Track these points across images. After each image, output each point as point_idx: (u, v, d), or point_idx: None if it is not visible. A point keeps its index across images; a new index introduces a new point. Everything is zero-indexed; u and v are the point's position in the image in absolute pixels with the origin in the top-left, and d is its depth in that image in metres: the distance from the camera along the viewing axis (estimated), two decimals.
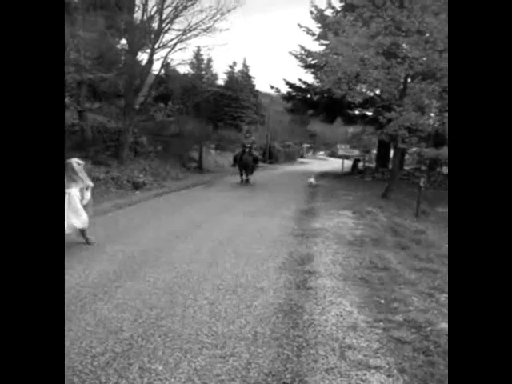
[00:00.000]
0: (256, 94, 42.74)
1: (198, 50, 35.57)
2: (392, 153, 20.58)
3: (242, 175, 17.50)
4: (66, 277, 5.04)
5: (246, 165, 17.21)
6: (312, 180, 17.85)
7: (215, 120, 34.03)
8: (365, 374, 3.13)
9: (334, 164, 41.00)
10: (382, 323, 4.02)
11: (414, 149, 23.89)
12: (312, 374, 3.11)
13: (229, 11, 17.83)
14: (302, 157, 58.10)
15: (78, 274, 5.19)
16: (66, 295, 4.49)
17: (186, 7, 16.91)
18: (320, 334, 3.77)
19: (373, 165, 31.84)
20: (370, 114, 26.31)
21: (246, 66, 42.44)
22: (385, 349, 3.53)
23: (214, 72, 40.82)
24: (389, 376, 3.12)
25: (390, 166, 23.74)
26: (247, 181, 17.37)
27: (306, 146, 66.14)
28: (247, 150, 17.12)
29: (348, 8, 19.40)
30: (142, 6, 16.78)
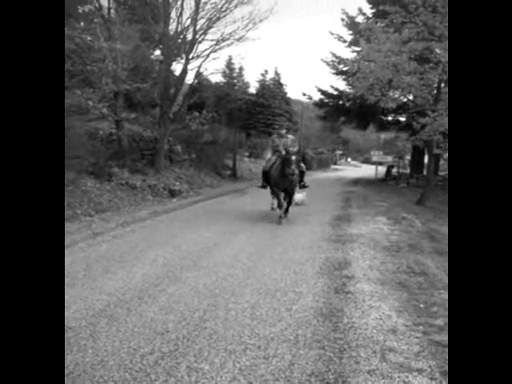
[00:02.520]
0: (288, 101, 42.89)
1: (230, 59, 36.01)
2: (427, 158, 20.34)
3: (279, 199, 10.01)
4: (109, 281, 5.25)
5: (289, 185, 9.81)
6: (300, 196, 11.98)
7: (248, 128, 34.26)
8: (407, 377, 3.17)
9: (368, 170, 40.73)
10: (421, 327, 4.04)
11: None
12: (355, 376, 3.16)
13: (261, 21, 18.03)
14: (335, 164, 57.87)
15: (121, 279, 5.36)
16: (112, 298, 4.67)
17: (219, 18, 17.20)
18: (361, 336, 3.82)
19: (407, 171, 31.52)
20: (403, 119, 26.12)
21: (277, 74, 42.63)
22: (426, 352, 3.56)
23: (245, 80, 41.16)
24: (431, 379, 3.15)
25: (425, 172, 23.47)
26: (286, 211, 10.13)
27: (338, 152, 65.83)
28: (291, 157, 9.32)
29: (379, 14, 19.36)
30: (176, 19, 17.13)
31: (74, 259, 6.23)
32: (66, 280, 5.20)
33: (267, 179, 10.37)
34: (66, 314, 4.20)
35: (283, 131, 10.88)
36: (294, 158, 9.26)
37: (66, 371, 3.13)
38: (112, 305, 4.49)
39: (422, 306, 4.60)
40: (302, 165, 10.83)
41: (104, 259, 6.26)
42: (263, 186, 10.66)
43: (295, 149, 10.07)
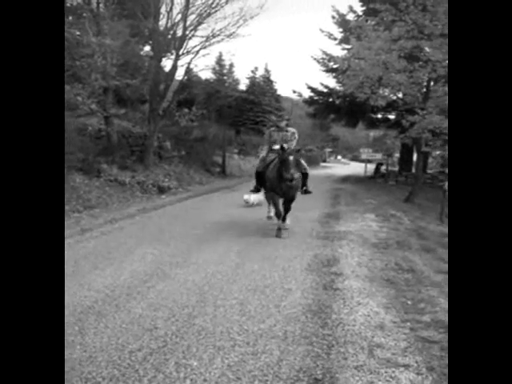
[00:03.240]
0: (278, 98, 42.88)
1: (220, 55, 35.92)
2: (415, 156, 20.46)
3: (277, 208, 8.20)
4: (98, 278, 5.23)
5: (289, 190, 7.91)
6: (248, 197, 11.53)
7: (238, 125, 34.21)
8: (393, 372, 3.20)
9: (357, 168, 40.86)
10: (409, 323, 4.07)
11: (437, 152, 23.73)
12: (342, 371, 3.19)
13: (251, 17, 18.01)
14: (324, 161, 57.96)
15: (110, 275, 5.35)
16: (100, 295, 4.66)
17: (209, 14, 17.16)
18: (349, 332, 3.85)
19: (396, 168, 31.69)
20: (392, 117, 26.26)
21: (267, 71, 42.61)
22: (413, 348, 3.59)
23: (235, 77, 41.12)
24: (418, 374, 3.18)
25: (414, 170, 23.62)
26: (283, 219, 8.21)
27: (328, 150, 65.99)
28: (288, 158, 7.41)
29: (370, 12, 19.40)
30: (166, 14, 17.05)
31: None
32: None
33: (262, 182, 8.38)
34: None
35: (283, 123, 8.53)
36: (291, 158, 7.27)
37: None
38: (100, 301, 4.48)
39: (409, 302, 4.64)
40: (304, 164, 8.46)
41: (92, 256, 6.23)
42: (256, 190, 8.76)
43: (293, 145, 8.12)
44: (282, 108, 43.14)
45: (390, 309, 4.45)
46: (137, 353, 3.39)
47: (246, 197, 11.73)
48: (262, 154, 8.99)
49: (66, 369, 3.11)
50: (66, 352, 3.36)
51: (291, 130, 8.58)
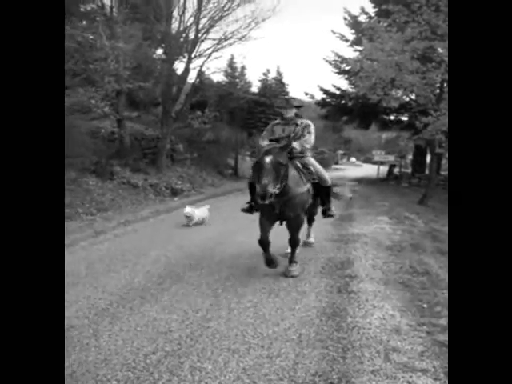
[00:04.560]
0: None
1: (232, 58, 35.95)
2: (429, 158, 20.30)
3: (262, 233, 5.59)
4: (112, 280, 5.24)
5: (288, 210, 5.42)
6: (190, 210, 8.98)
7: (250, 127, 34.20)
8: (411, 377, 3.16)
9: (369, 170, 40.69)
10: (425, 327, 4.02)
11: None
12: (358, 375, 3.15)
13: (263, 20, 18.00)
14: (336, 163, 57.78)
15: (124, 278, 5.36)
16: (114, 297, 4.67)
17: (221, 17, 17.19)
18: (364, 336, 3.81)
19: (409, 170, 31.49)
20: (405, 119, 26.09)
21: (279, 73, 42.47)
22: (430, 352, 3.55)
23: (247, 79, 41.06)
24: (436, 379, 3.14)
25: (427, 172, 23.45)
26: (290, 260, 5.83)
27: (340, 152, 65.76)
28: (263, 159, 4.91)
29: (382, 14, 19.33)
30: (179, 17, 17.13)
31: (76, 258, 6.23)
32: (69, 279, 5.21)
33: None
34: (69, 312, 4.20)
35: (290, 113, 5.95)
36: (267, 160, 4.81)
37: (70, 370, 3.13)
38: (114, 304, 4.49)
39: (425, 305, 4.59)
40: (319, 171, 5.97)
41: (106, 258, 6.25)
42: (250, 209, 6.18)
43: (309, 143, 5.84)
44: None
45: (405, 312, 4.40)
46: (151, 356, 3.39)
47: (187, 210, 8.80)
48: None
49: (81, 371, 3.12)
50: (81, 354, 3.38)
51: (304, 121, 5.94)
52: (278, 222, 5.73)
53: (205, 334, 3.78)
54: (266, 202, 4.72)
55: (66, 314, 4.18)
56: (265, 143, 5.47)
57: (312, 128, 5.88)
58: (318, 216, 6.63)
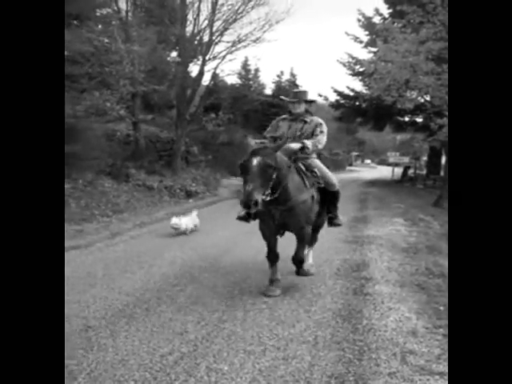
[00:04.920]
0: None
1: (246, 60, 36.05)
2: (444, 159, 20.14)
3: (268, 245, 5.11)
4: (128, 281, 5.28)
5: (290, 220, 4.76)
6: (177, 221, 8.11)
7: (264, 129, 34.07)
8: (428, 380, 3.14)
9: (383, 171, 40.50)
10: (442, 329, 3.99)
11: None
12: (375, 378, 3.14)
13: (277, 22, 18.02)
14: (350, 165, 57.58)
15: (140, 279, 5.40)
16: (131, 298, 4.71)
17: (235, 20, 17.25)
18: (380, 338, 3.80)
19: (423, 172, 31.28)
20: (420, 120, 25.91)
21: (293, 75, 42.54)
22: (447, 355, 3.52)
23: (261, 82, 41.15)
24: None
25: (442, 173, 23.27)
26: (297, 271, 5.31)
27: (354, 154, 65.53)
28: (249, 161, 4.22)
29: (396, 15, 19.22)
30: (193, 20, 17.22)
31: (93, 259, 6.29)
32: (86, 280, 5.28)
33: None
34: (86, 313, 4.25)
35: (300, 109, 5.22)
36: (255, 162, 4.15)
37: (88, 370, 3.17)
38: (131, 305, 4.53)
39: (441, 308, 4.55)
40: (326, 174, 5.28)
41: (122, 259, 6.31)
42: (246, 217, 5.14)
43: (321, 143, 5.09)
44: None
45: (421, 314, 4.38)
46: (168, 356, 3.41)
47: (174, 221, 8.08)
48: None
49: (99, 371, 3.15)
50: (99, 354, 3.41)
51: (315, 119, 5.23)
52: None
53: (220, 336, 3.80)
54: (251, 211, 4.19)
55: (84, 314, 4.24)
56: (253, 142, 4.71)
57: (324, 127, 5.17)
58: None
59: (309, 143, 4.88)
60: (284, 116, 5.40)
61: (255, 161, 4.12)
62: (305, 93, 5.30)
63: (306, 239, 5.05)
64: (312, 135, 5.10)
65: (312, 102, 5.44)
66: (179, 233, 8.05)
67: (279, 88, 40.62)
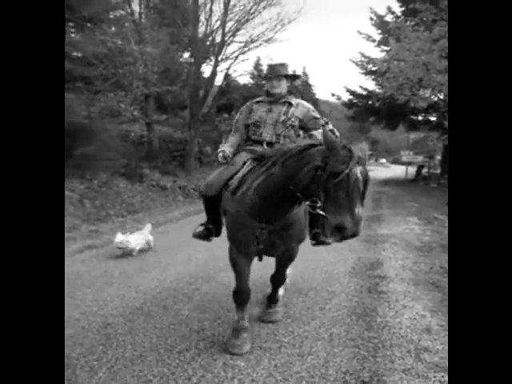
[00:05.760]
0: (316, 101, 42.79)
1: (258, 60, 36.14)
2: None
3: (239, 277, 3.79)
4: (145, 280, 5.36)
5: (272, 241, 3.45)
6: (122, 238, 6.53)
7: None
8: (443, 376, 3.16)
9: (397, 170, 40.30)
10: None
11: None
12: (390, 374, 3.17)
13: (289, 22, 18.05)
14: None
15: (156, 278, 5.47)
16: (147, 296, 4.78)
17: (247, 20, 17.33)
18: (395, 336, 3.82)
19: (437, 171, 31.08)
20: (433, 119, 25.77)
21: (305, 75, 42.67)
22: None
23: None
24: None
25: None
26: (270, 300, 4.28)
27: (367, 153, 65.25)
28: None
29: (409, 13, 19.17)
30: (205, 21, 17.33)
31: (109, 258, 6.37)
32: (104, 279, 5.36)
33: (217, 217, 4.04)
34: (105, 311, 4.32)
35: (280, 88, 3.94)
36: (361, 173, 2.74)
37: (108, 365, 3.24)
38: (148, 303, 4.60)
39: None
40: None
41: (138, 259, 6.38)
42: (207, 234, 4.18)
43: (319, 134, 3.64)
44: (321, 111, 43.01)
45: (436, 312, 4.39)
46: (185, 353, 3.47)
47: (119, 238, 6.51)
48: (223, 152, 3.92)
49: (118, 366, 3.22)
50: (118, 351, 3.48)
51: (302, 102, 4.03)
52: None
53: None
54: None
55: (102, 312, 4.32)
56: (231, 139, 4.06)
57: (317, 113, 4.01)
58: None
59: (318, 134, 3.74)
60: (260, 98, 4.04)
61: (362, 172, 2.74)
62: (283, 66, 3.99)
63: (293, 258, 3.97)
64: (302, 122, 3.89)
65: (296, 77, 4.38)
66: (126, 253, 6.54)
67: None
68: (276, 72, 3.94)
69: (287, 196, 3.02)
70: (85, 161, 11.46)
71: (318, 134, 3.74)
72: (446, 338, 3.80)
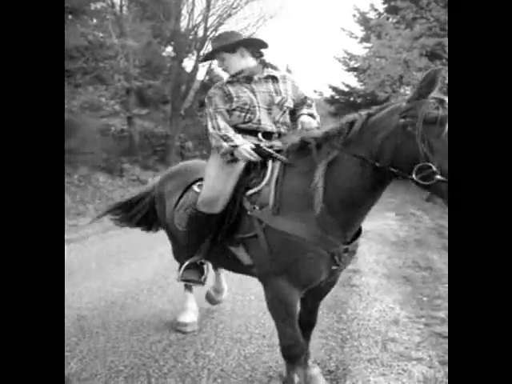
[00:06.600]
0: None
1: None
2: None
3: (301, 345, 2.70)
4: (121, 274, 5.40)
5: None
6: None
7: None
8: (406, 365, 3.26)
9: None
10: (423, 319, 4.12)
11: None
12: (355, 364, 3.27)
13: (271, 17, 18.12)
14: None
15: (132, 271, 5.52)
16: (123, 290, 4.82)
17: (230, 15, 17.36)
18: (363, 327, 3.92)
19: None
20: None
21: (289, 71, 42.60)
22: (426, 342, 3.65)
23: None
24: (430, 367, 3.24)
25: None
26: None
27: None
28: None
29: (391, 10, 19.30)
30: (188, 15, 17.31)
31: (87, 253, 6.40)
32: (80, 273, 5.39)
33: (210, 245, 2.91)
34: (80, 304, 4.36)
35: (248, 63, 2.95)
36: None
37: (80, 356, 3.29)
38: (123, 296, 4.64)
39: (425, 299, 4.69)
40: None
41: (115, 253, 6.42)
42: (199, 274, 3.10)
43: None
44: None
45: (405, 305, 4.51)
46: (157, 344, 3.53)
47: None
48: (245, 147, 2.75)
49: (90, 357, 3.28)
50: (90, 342, 3.54)
51: (283, 73, 3.14)
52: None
53: (209, 325, 3.93)
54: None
55: (78, 305, 4.35)
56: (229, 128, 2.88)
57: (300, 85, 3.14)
58: None
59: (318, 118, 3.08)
60: (228, 79, 2.99)
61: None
62: (234, 34, 3.10)
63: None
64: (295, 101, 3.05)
65: (261, 44, 3.09)
66: None
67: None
68: (224, 40, 2.98)
69: (371, 183, 2.38)
70: (65, 155, 11.40)
71: (308, 120, 2.93)
72: (413, 329, 3.92)
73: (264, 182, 2.61)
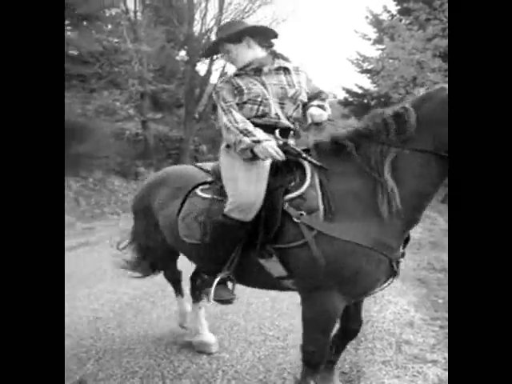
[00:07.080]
0: None
1: None
2: None
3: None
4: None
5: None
6: None
7: None
8: (421, 367, 3.25)
9: None
10: (438, 321, 4.10)
11: None
12: (369, 366, 3.27)
13: (284, 20, 18.15)
14: None
15: None
16: (137, 292, 4.87)
17: (242, 19, 17.36)
18: (377, 329, 3.92)
19: None
20: None
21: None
22: (441, 345, 3.63)
23: None
24: (445, 370, 3.23)
25: None
26: None
27: None
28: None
29: (404, 12, 19.23)
30: (201, 20, 17.41)
31: (103, 255, 6.46)
32: (96, 275, 5.45)
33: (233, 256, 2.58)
34: (96, 305, 4.42)
35: (256, 54, 2.70)
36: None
37: (96, 357, 3.33)
38: (138, 298, 4.69)
39: (440, 301, 4.66)
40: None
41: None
42: (231, 290, 2.68)
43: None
44: None
45: (420, 307, 4.49)
46: (172, 345, 3.57)
47: None
48: (270, 144, 2.40)
49: (106, 358, 3.32)
50: (107, 343, 3.58)
51: (295, 65, 2.79)
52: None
53: (223, 327, 3.95)
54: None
55: (93, 306, 4.41)
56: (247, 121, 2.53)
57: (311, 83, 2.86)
58: None
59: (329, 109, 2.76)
60: (236, 72, 2.71)
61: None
62: (240, 23, 3.02)
63: None
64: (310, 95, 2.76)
65: (271, 34, 2.85)
66: None
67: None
68: (221, 34, 2.74)
69: (439, 176, 2.28)
70: (80, 159, 11.53)
71: (317, 112, 2.60)
72: (428, 331, 3.90)
73: (306, 185, 2.36)
